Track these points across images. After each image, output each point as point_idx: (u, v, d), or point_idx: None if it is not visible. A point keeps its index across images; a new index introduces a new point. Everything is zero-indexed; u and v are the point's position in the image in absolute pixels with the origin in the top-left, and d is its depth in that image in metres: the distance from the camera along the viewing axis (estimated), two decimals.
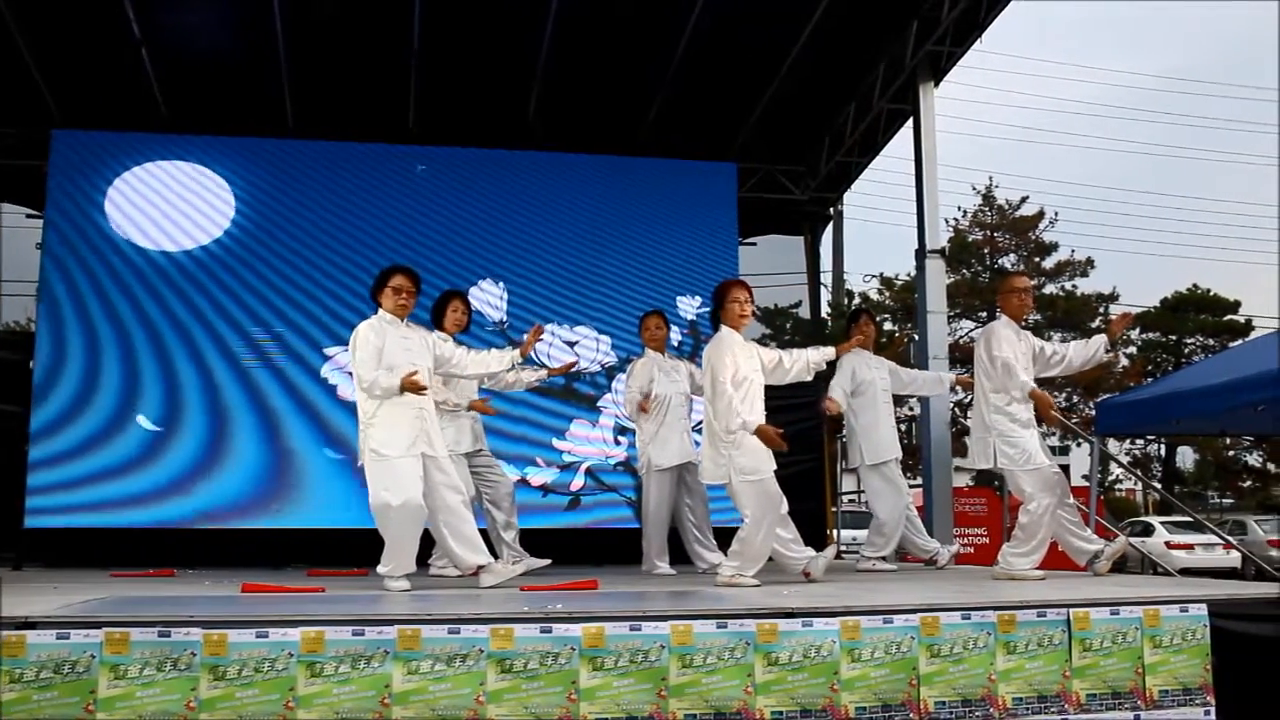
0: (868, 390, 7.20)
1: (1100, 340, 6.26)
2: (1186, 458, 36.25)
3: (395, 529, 5.24)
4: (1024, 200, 30.82)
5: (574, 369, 7.45)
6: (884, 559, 7.16)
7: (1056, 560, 6.40)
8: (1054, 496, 5.85)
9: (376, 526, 5.35)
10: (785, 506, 5.68)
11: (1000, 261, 30.56)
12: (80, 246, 8.82)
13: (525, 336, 6.10)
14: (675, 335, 9.42)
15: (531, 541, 6.74)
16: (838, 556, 8.26)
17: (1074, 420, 24.92)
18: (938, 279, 8.55)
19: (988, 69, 48.03)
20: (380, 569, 5.33)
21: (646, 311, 7.50)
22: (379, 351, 5.34)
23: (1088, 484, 8.40)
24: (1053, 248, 30.52)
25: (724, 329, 5.78)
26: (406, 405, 5.31)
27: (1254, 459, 32.44)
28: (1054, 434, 30.95)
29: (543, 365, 7.17)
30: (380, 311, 5.52)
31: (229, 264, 8.99)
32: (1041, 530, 5.79)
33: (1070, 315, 28.83)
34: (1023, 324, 6.26)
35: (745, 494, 5.53)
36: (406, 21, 8.13)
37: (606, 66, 8.91)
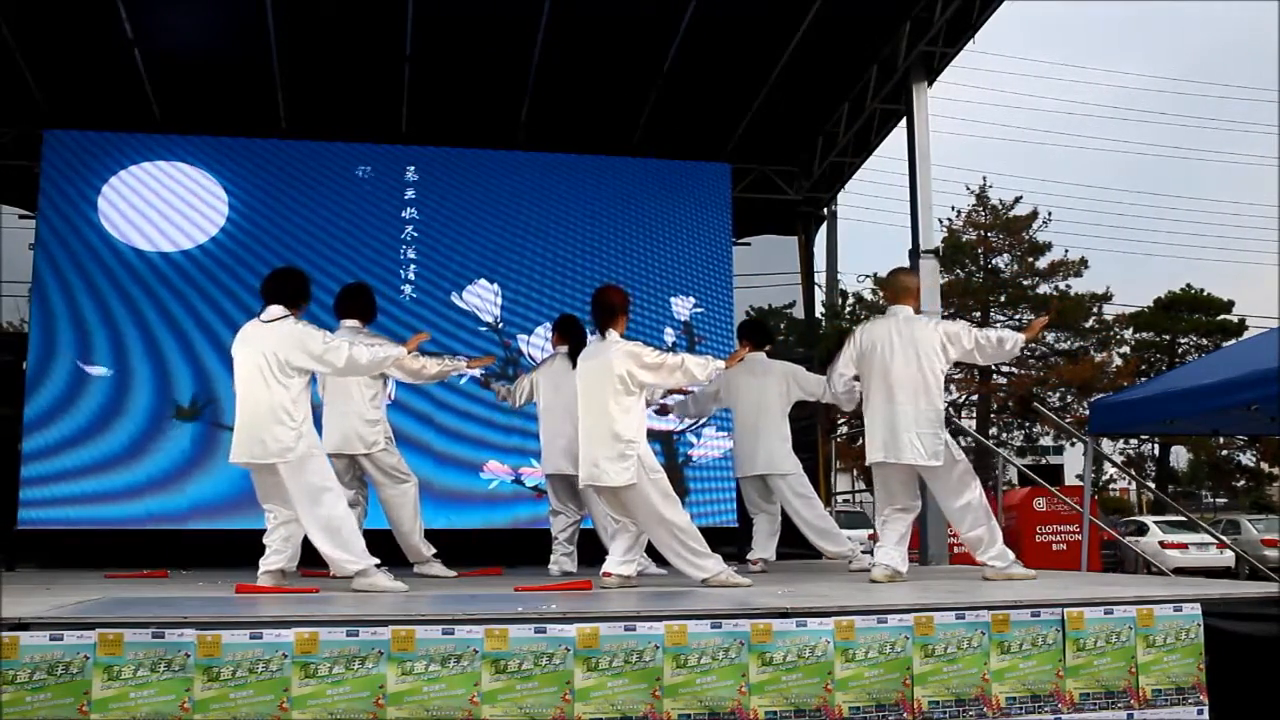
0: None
1: (1017, 337, 6.03)
2: (1180, 457, 36.42)
3: (340, 516, 5.01)
4: (1018, 200, 30.82)
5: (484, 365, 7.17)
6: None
7: (1051, 560, 6.40)
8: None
9: (311, 531, 5.03)
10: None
11: (994, 261, 30.57)
12: (73, 247, 8.82)
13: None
14: (670, 335, 9.45)
15: (523, 541, 6.72)
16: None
17: (1067, 420, 24.94)
18: (932, 279, 8.53)
19: (981, 69, 48.14)
20: (351, 569, 5.00)
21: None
22: None
23: (1082, 483, 8.40)
24: (1046, 248, 30.53)
25: (618, 335, 5.55)
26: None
27: (1247, 458, 32.57)
28: (1048, 433, 31.06)
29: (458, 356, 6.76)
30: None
31: (223, 264, 8.99)
32: (990, 518, 5.84)
33: (1064, 315, 28.83)
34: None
35: (655, 490, 5.38)
36: (399, 22, 8.11)
37: (600, 67, 8.90)
